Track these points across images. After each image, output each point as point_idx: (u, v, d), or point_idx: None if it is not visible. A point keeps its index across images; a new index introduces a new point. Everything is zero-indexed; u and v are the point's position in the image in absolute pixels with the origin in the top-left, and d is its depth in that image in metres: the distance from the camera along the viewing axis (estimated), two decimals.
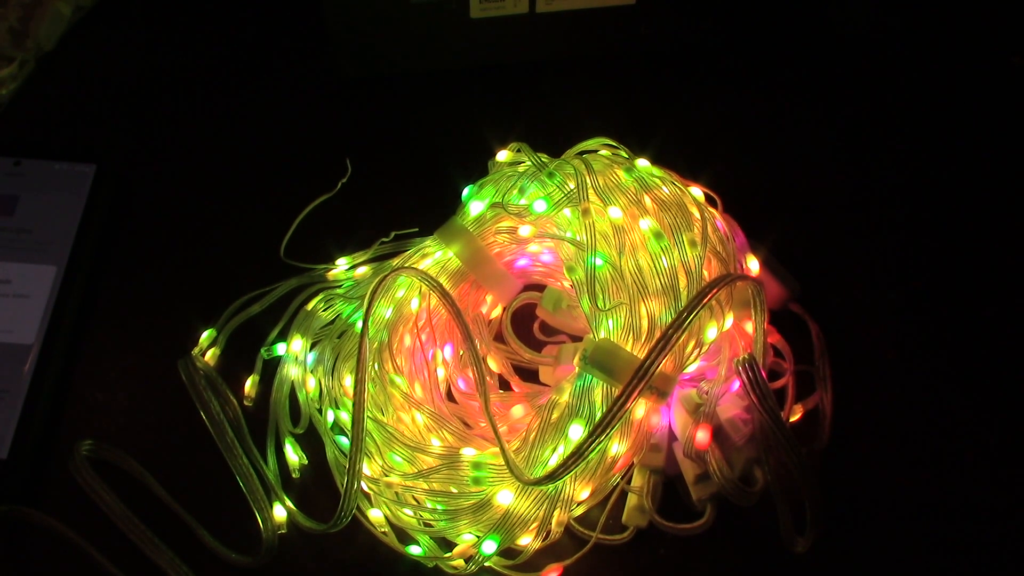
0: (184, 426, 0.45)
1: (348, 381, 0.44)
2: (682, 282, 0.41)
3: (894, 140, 0.57)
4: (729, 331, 0.42)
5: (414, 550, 0.41)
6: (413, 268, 0.43)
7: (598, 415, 0.38)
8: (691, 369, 0.42)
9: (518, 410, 0.43)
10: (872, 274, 0.51)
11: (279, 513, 0.43)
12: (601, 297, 0.41)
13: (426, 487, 0.40)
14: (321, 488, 0.44)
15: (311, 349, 0.46)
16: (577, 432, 0.39)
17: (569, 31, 0.56)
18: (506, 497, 0.39)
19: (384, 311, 0.44)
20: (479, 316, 0.46)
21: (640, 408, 0.40)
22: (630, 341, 0.40)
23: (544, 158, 0.44)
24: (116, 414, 0.46)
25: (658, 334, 0.38)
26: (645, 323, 0.40)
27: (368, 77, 0.58)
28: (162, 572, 0.41)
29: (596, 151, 0.47)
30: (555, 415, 0.40)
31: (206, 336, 0.47)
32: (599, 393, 0.39)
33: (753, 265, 0.45)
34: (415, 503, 0.41)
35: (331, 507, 0.40)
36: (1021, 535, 0.44)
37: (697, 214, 0.43)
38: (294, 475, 0.44)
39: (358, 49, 0.56)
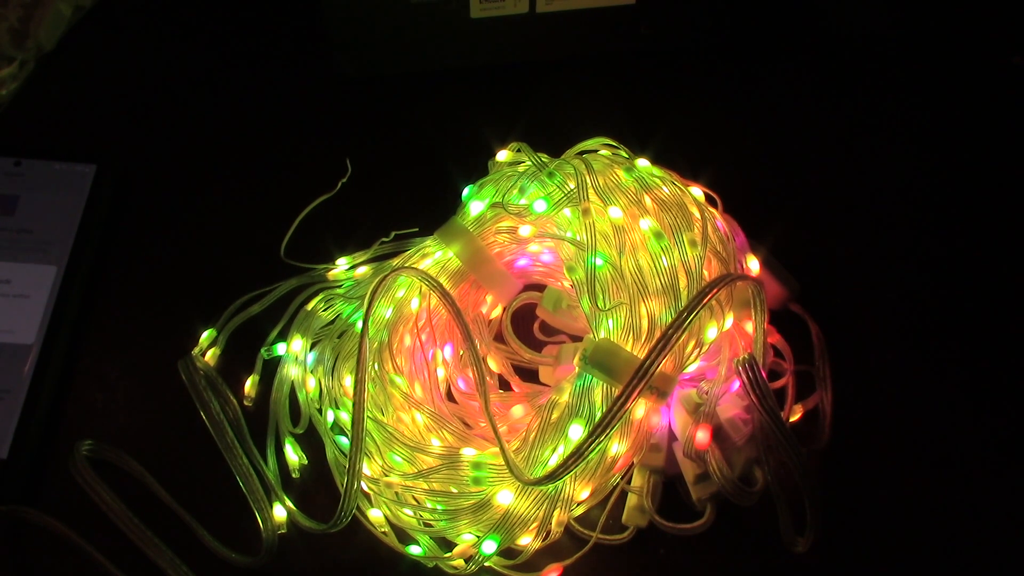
0: (184, 426, 0.45)
1: (348, 381, 0.44)
2: (682, 282, 0.41)
3: (894, 140, 0.57)
4: (729, 331, 0.42)
5: (414, 550, 0.41)
6: (413, 268, 0.43)
7: (598, 415, 0.38)
8: (691, 369, 0.42)
9: (518, 410, 0.43)
10: (872, 274, 0.51)
11: (279, 513, 0.43)
12: (601, 297, 0.41)
13: (426, 487, 0.40)
14: (321, 488, 0.44)
15: (311, 349, 0.46)
16: (577, 432, 0.39)
17: (569, 31, 0.56)
18: (506, 497, 0.39)
19: (384, 311, 0.44)
20: (479, 316, 0.46)
21: (640, 408, 0.40)
22: (630, 341, 0.40)
23: (544, 158, 0.44)
24: (116, 414, 0.46)
25: (658, 334, 0.38)
26: (645, 323, 0.40)
27: (368, 77, 0.58)
28: (162, 572, 0.41)
29: (596, 151, 0.47)
30: (555, 415, 0.40)
31: (206, 336, 0.47)
32: (599, 393, 0.39)
33: (753, 265, 0.45)
34: (415, 503, 0.41)
35: (331, 507, 0.40)
36: (1021, 535, 0.44)
37: (697, 214, 0.43)
38: (294, 475, 0.44)
39: (358, 49, 0.56)
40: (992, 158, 0.56)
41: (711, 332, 0.41)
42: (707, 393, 0.41)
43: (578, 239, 0.42)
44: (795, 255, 0.48)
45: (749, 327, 0.42)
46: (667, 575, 0.43)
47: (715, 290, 0.38)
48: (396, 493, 0.42)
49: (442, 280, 0.44)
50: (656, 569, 0.43)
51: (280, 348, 0.47)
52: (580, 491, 0.40)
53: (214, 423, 0.44)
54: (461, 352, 0.46)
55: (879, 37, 0.61)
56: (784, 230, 0.49)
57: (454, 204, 0.47)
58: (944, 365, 0.48)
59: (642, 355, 0.38)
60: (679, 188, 0.44)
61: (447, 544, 0.42)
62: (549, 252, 0.46)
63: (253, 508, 0.43)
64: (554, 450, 0.39)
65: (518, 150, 0.46)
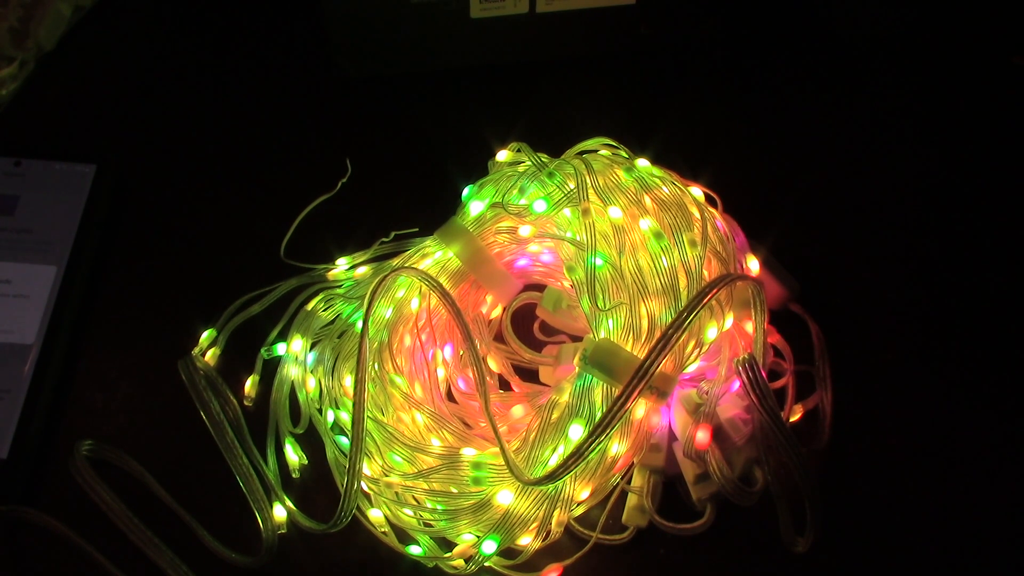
0: (184, 426, 0.45)
1: (348, 381, 0.44)
2: (682, 282, 0.41)
3: (894, 140, 0.57)
4: (729, 331, 0.42)
5: (414, 550, 0.41)
6: (413, 268, 0.43)
7: (598, 415, 0.38)
8: (691, 369, 0.42)
9: (518, 410, 0.43)
10: (872, 274, 0.51)
11: (279, 513, 0.43)
12: (601, 297, 0.41)
13: (426, 487, 0.40)
14: (321, 488, 0.44)
15: (311, 349, 0.46)
16: (577, 432, 0.39)
17: (569, 31, 0.56)
18: (506, 497, 0.39)
19: (384, 311, 0.44)
20: (479, 316, 0.46)
21: (640, 408, 0.40)
22: (630, 341, 0.40)
23: (544, 158, 0.44)
24: (116, 414, 0.46)
25: (658, 334, 0.38)
26: (645, 323, 0.40)
27: (368, 77, 0.58)
28: (162, 572, 0.41)
29: (596, 151, 0.47)
30: (555, 415, 0.40)
31: (206, 336, 0.47)
32: (599, 393, 0.39)
33: (753, 265, 0.45)
34: (415, 503, 0.41)
35: (331, 507, 0.40)
36: (1021, 535, 0.44)
37: (697, 214, 0.43)
38: (294, 475, 0.44)
39: (358, 49, 0.56)
40: (992, 158, 0.56)
41: (711, 332, 0.41)
42: (707, 393, 0.41)
43: (578, 239, 0.42)
44: (795, 255, 0.48)
45: (749, 327, 0.42)
46: (667, 575, 0.43)
47: (715, 290, 0.38)
48: (396, 493, 0.42)
49: (442, 280, 0.44)
50: (656, 569, 0.43)
51: (280, 348, 0.47)
52: (580, 491, 0.40)
53: (214, 423, 0.44)
54: (461, 352, 0.46)
55: (879, 37, 0.61)
56: (784, 230, 0.49)
57: (454, 204, 0.47)
58: (944, 365, 0.48)
59: (642, 355, 0.38)
60: (679, 188, 0.44)
61: (447, 544, 0.42)
62: (549, 252, 0.46)
63: (253, 508, 0.43)
64: (554, 450, 0.39)
65: (518, 150, 0.46)
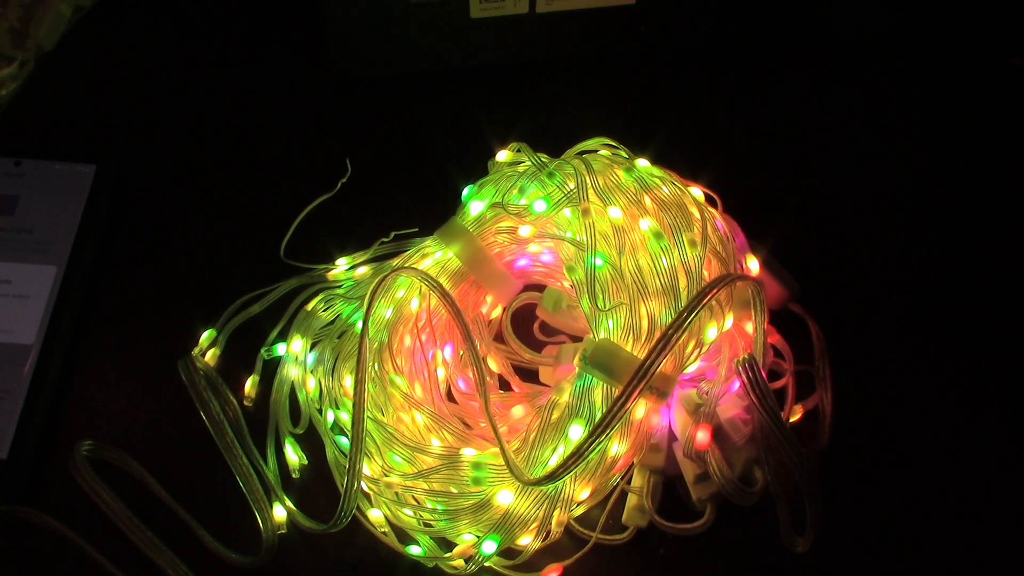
0: (184, 426, 0.45)
1: (348, 381, 0.44)
2: (682, 282, 0.41)
3: (894, 140, 0.57)
4: (729, 331, 0.42)
5: (414, 550, 0.41)
6: (413, 268, 0.43)
7: (598, 415, 0.38)
8: (691, 369, 0.42)
9: (518, 410, 0.43)
10: (872, 274, 0.51)
11: (279, 513, 0.43)
12: (601, 297, 0.41)
13: (426, 487, 0.40)
14: (321, 488, 0.44)
15: (311, 349, 0.46)
16: (577, 432, 0.39)
17: (569, 31, 0.56)
18: (506, 497, 0.39)
19: (384, 311, 0.44)
20: (479, 316, 0.46)
21: (640, 408, 0.40)
22: (630, 341, 0.40)
23: (544, 158, 0.44)
24: (116, 414, 0.46)
25: (658, 334, 0.38)
26: (645, 323, 0.40)
27: (368, 77, 0.58)
28: (162, 572, 0.41)
29: (596, 151, 0.47)
30: (555, 415, 0.40)
31: (206, 336, 0.47)
32: (599, 393, 0.39)
33: (753, 265, 0.45)
34: (415, 503, 0.41)
35: (331, 507, 0.40)
36: (1021, 535, 0.44)
37: (697, 214, 0.43)
38: (294, 475, 0.44)
39: (358, 49, 0.56)
40: (992, 158, 0.56)
41: (711, 332, 0.41)
42: (707, 393, 0.41)
43: (578, 239, 0.42)
44: (795, 255, 0.48)
45: (749, 327, 0.42)
46: (667, 575, 0.43)
47: (715, 290, 0.38)
48: (396, 493, 0.42)
49: (442, 280, 0.44)
50: (656, 569, 0.43)
51: (280, 348, 0.47)
52: (580, 491, 0.40)
53: (214, 423, 0.44)
54: (461, 352, 0.46)
55: (879, 37, 0.61)
56: (784, 230, 0.49)
57: (454, 204, 0.47)
58: (944, 365, 0.48)
59: (642, 355, 0.38)
60: (679, 188, 0.44)
61: (447, 544, 0.42)
62: (549, 252, 0.46)
63: (253, 508, 0.43)
64: (554, 450, 0.39)
65: (518, 150, 0.46)
